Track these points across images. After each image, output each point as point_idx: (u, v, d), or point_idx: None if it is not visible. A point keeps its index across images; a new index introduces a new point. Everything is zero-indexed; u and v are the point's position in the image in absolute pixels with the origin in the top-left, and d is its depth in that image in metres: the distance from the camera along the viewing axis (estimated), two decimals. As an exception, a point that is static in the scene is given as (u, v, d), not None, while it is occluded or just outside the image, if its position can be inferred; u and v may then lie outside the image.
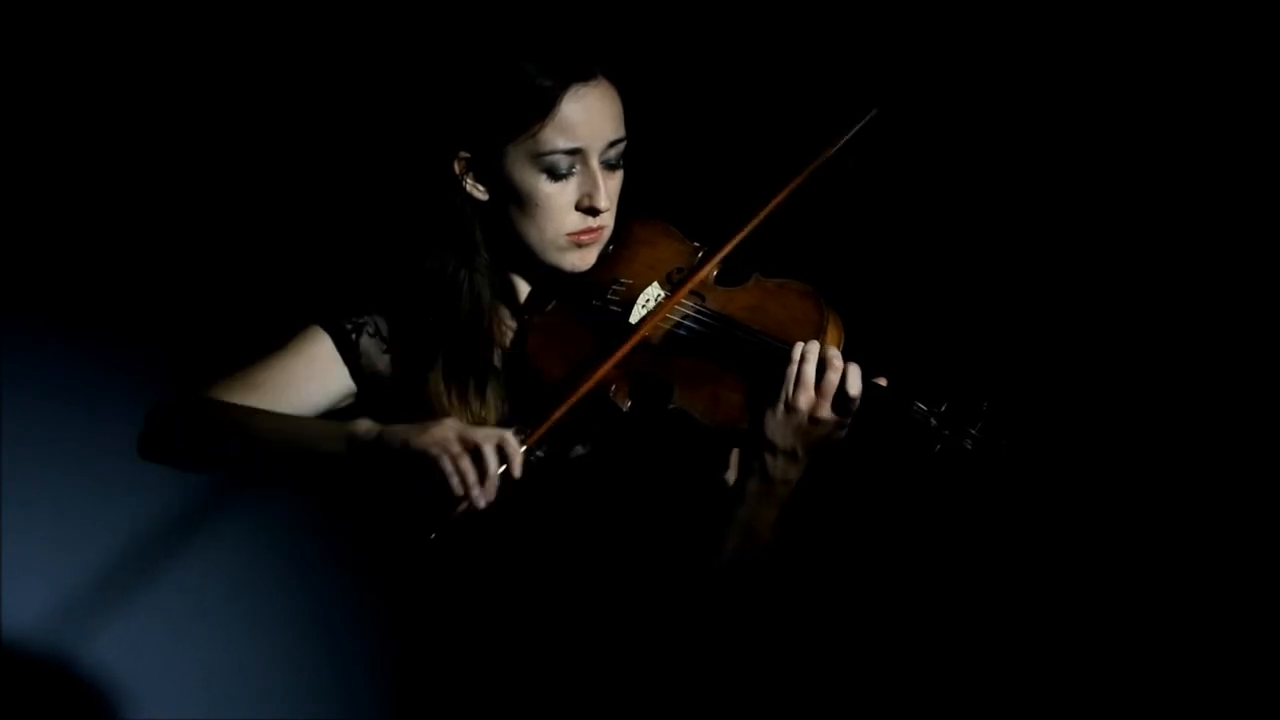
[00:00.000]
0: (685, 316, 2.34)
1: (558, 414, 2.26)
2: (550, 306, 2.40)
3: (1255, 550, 3.12)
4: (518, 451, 2.15)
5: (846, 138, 2.39)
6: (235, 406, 2.30)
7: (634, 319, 2.35)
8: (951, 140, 3.19)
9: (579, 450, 2.38)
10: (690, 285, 2.34)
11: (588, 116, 2.32)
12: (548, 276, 2.40)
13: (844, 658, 3.33)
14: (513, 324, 2.42)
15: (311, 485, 2.27)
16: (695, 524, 2.37)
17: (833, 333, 2.31)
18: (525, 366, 2.37)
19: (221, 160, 3.46)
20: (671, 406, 2.29)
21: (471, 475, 2.13)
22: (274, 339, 2.38)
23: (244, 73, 3.42)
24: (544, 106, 2.30)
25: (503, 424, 2.34)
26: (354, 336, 2.38)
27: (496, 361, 2.39)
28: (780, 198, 2.36)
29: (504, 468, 2.15)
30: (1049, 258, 3.22)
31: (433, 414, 2.33)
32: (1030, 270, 3.23)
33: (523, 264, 2.40)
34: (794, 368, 2.25)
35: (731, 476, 2.42)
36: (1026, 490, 3.11)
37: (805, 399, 2.25)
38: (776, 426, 2.26)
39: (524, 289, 2.43)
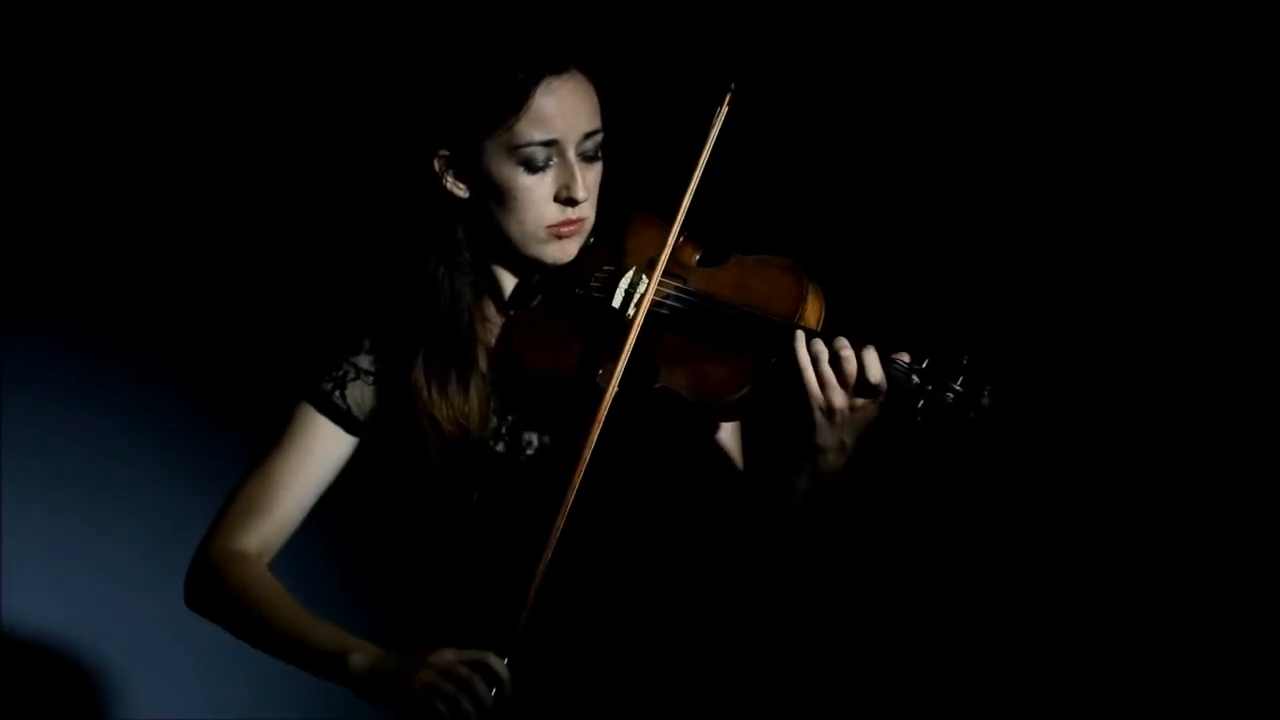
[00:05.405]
0: (667, 296, 2.36)
1: (602, 413, 2.29)
2: (535, 301, 2.42)
3: (1229, 505, 3.15)
4: (504, 670, 2.21)
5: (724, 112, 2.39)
6: (255, 591, 2.38)
7: (616, 303, 2.37)
8: (914, 106, 3.24)
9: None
10: (664, 261, 2.36)
11: (561, 109, 2.34)
12: (531, 271, 2.42)
13: (836, 636, 3.34)
14: (499, 319, 2.44)
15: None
16: (695, 507, 2.42)
17: (813, 303, 2.34)
18: (511, 359, 2.39)
19: (211, 162, 3.48)
20: (657, 386, 2.32)
21: (471, 714, 2.19)
22: (272, 424, 2.44)
23: (228, 78, 3.44)
24: (517, 99, 2.33)
25: (486, 417, 2.39)
26: (337, 394, 2.42)
27: (481, 356, 2.42)
28: (696, 175, 2.36)
29: (495, 690, 2.21)
30: (1020, 215, 3.25)
31: (418, 411, 2.38)
32: (1003, 228, 3.26)
33: (506, 259, 2.43)
34: (810, 373, 2.28)
35: (732, 448, 2.46)
36: (1010, 451, 3.11)
37: (839, 397, 2.28)
38: (821, 430, 2.29)
39: (509, 284, 2.45)
